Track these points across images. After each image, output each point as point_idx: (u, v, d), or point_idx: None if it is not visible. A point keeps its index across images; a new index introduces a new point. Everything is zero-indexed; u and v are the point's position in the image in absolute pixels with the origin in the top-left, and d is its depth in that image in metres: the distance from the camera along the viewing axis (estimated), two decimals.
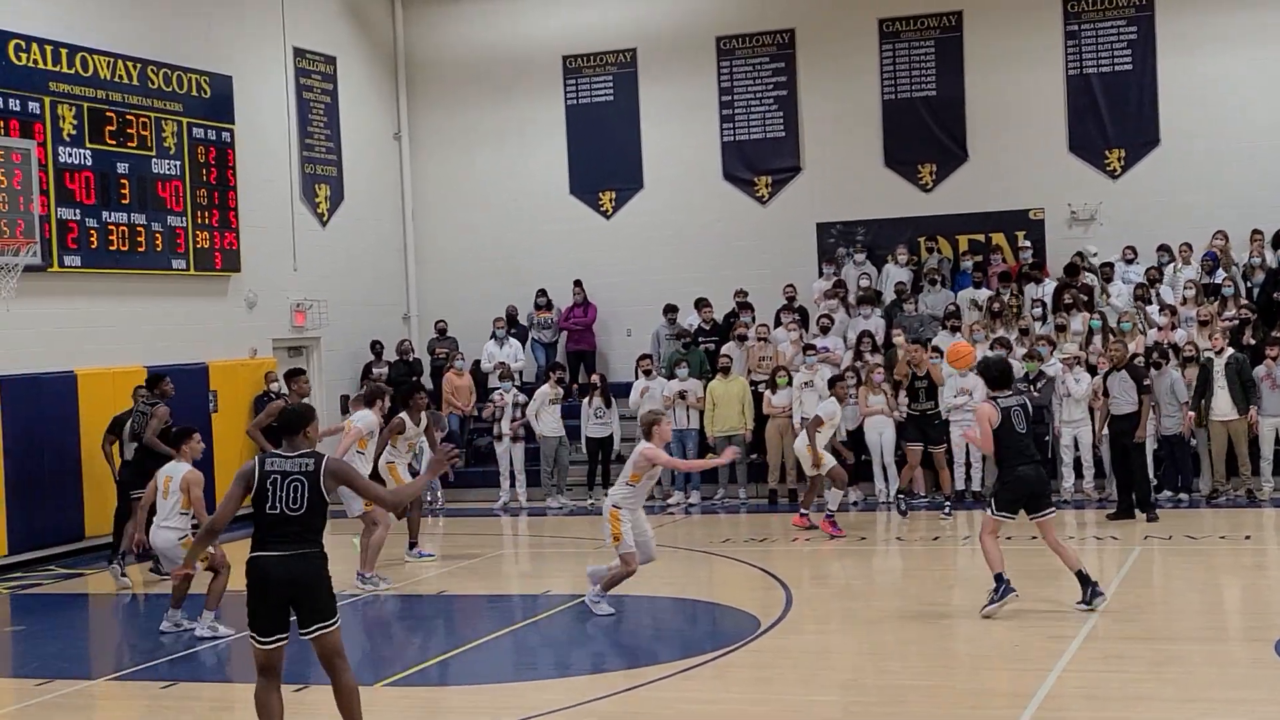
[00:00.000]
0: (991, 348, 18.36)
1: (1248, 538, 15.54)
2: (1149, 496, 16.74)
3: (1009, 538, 11.93)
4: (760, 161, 23.07)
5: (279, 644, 8.08)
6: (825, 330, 20.42)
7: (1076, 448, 18.15)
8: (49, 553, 17.24)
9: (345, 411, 19.03)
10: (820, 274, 22.14)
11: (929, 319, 20.28)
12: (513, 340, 22.48)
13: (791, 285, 21.58)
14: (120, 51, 18.82)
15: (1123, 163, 21.60)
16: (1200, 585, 13.42)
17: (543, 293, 23.16)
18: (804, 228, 22.76)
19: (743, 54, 23.14)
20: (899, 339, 19.02)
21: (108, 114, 18.51)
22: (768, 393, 19.46)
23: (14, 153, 15.76)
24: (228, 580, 12.11)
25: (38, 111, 17.54)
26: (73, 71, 18.08)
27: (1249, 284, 19.74)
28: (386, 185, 24.40)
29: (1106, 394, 16.95)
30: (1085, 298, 19.71)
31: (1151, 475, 17.26)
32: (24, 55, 17.52)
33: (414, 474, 16.60)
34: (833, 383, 17.48)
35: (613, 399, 20.45)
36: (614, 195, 23.80)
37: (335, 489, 8.10)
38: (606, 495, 12.72)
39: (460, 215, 24.49)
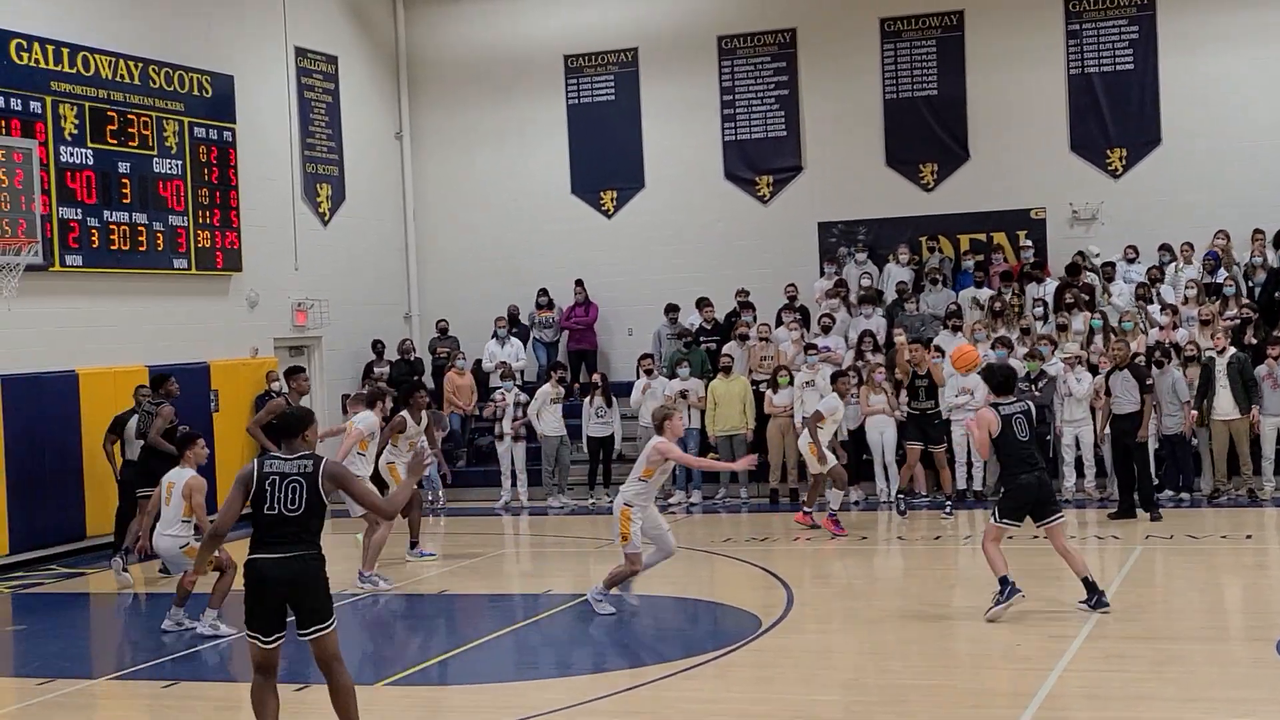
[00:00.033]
0: (993, 347, 18.37)
1: (1249, 537, 15.54)
2: (1153, 496, 16.73)
3: (1010, 536, 11.90)
4: (761, 161, 23.06)
5: (278, 643, 8.10)
6: (826, 330, 20.42)
7: (1078, 447, 18.14)
8: (50, 552, 17.24)
9: (345, 411, 19.03)
10: (821, 273, 22.14)
11: (930, 318, 20.28)
12: (514, 340, 22.49)
13: (793, 285, 21.58)
14: (122, 51, 18.83)
15: (1124, 162, 21.60)
16: (1202, 585, 13.41)
17: (544, 292, 23.16)
18: (805, 227, 22.76)
19: (744, 53, 23.14)
20: (900, 338, 19.03)
21: (109, 113, 18.52)
22: (769, 392, 19.46)
23: (15, 152, 15.77)
24: (233, 580, 12.11)
25: (39, 111, 17.54)
26: (74, 71, 18.09)
27: (1250, 283, 19.74)
28: (388, 185, 24.41)
29: (1109, 393, 16.95)
30: (1086, 297, 19.70)
31: (1153, 475, 17.26)
32: (25, 55, 17.52)
33: None
34: (835, 378, 17.47)
35: (614, 398, 20.46)
36: (615, 195, 23.80)
37: (333, 491, 8.12)
38: (618, 492, 12.69)
39: (462, 215, 24.49)
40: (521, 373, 21.97)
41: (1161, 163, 21.40)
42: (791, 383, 19.17)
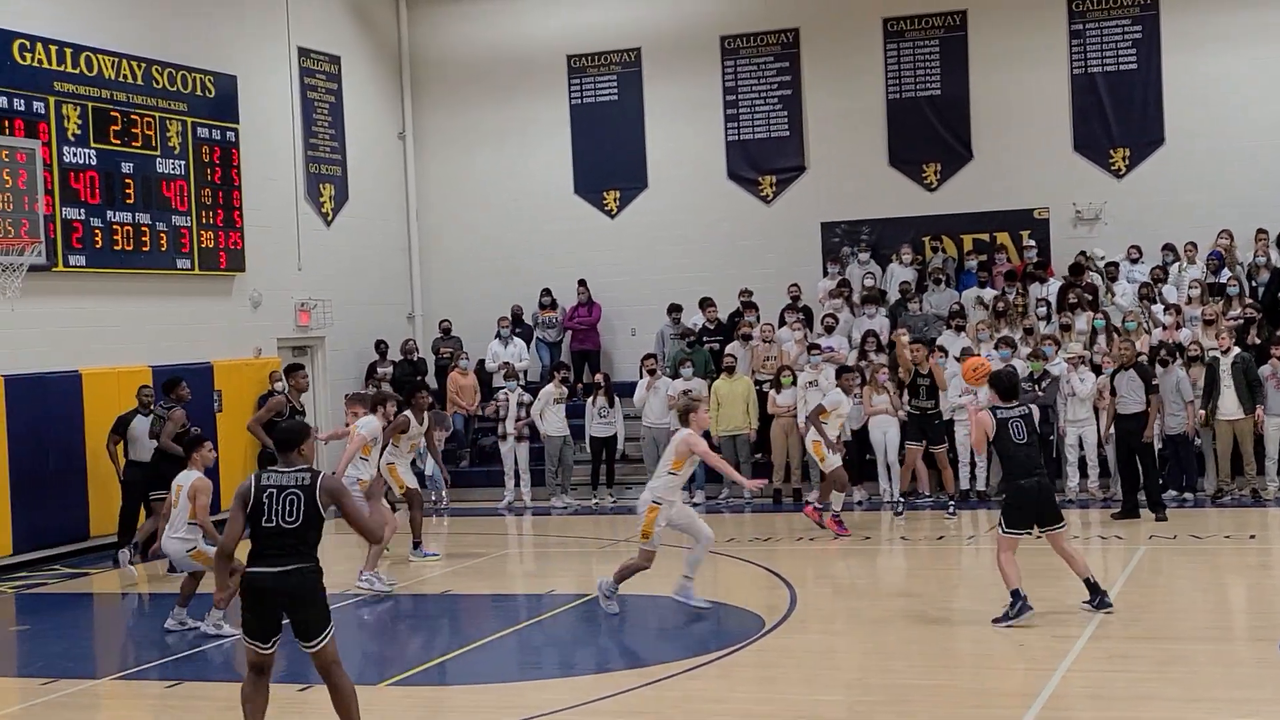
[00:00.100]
0: (996, 347, 18.36)
1: (1252, 537, 15.54)
2: (1158, 496, 16.71)
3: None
4: (765, 161, 23.06)
5: (274, 647, 8.23)
6: (830, 330, 20.40)
7: (1081, 447, 18.13)
8: (54, 552, 17.24)
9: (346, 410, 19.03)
10: (825, 273, 22.14)
11: (934, 318, 20.26)
12: (517, 340, 22.48)
13: (796, 284, 21.57)
14: (125, 51, 18.84)
15: (1127, 162, 21.58)
16: (1205, 585, 13.40)
17: (547, 292, 23.16)
18: (808, 227, 22.75)
19: (747, 53, 23.14)
20: (902, 338, 19.00)
21: (112, 114, 18.52)
22: (772, 392, 19.45)
23: (19, 152, 15.79)
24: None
25: (42, 111, 17.55)
26: (77, 71, 18.09)
27: (1254, 283, 19.72)
28: (391, 185, 24.41)
29: (1114, 393, 16.93)
30: (1090, 297, 19.69)
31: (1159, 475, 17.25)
32: (29, 55, 17.53)
33: (415, 474, 16.68)
34: (840, 373, 17.47)
35: (617, 398, 20.46)
36: (618, 195, 23.80)
37: (329, 505, 8.20)
38: (646, 488, 12.64)
39: (465, 215, 24.50)
40: (524, 373, 21.96)
41: (1164, 163, 21.39)
42: (795, 383, 19.16)
